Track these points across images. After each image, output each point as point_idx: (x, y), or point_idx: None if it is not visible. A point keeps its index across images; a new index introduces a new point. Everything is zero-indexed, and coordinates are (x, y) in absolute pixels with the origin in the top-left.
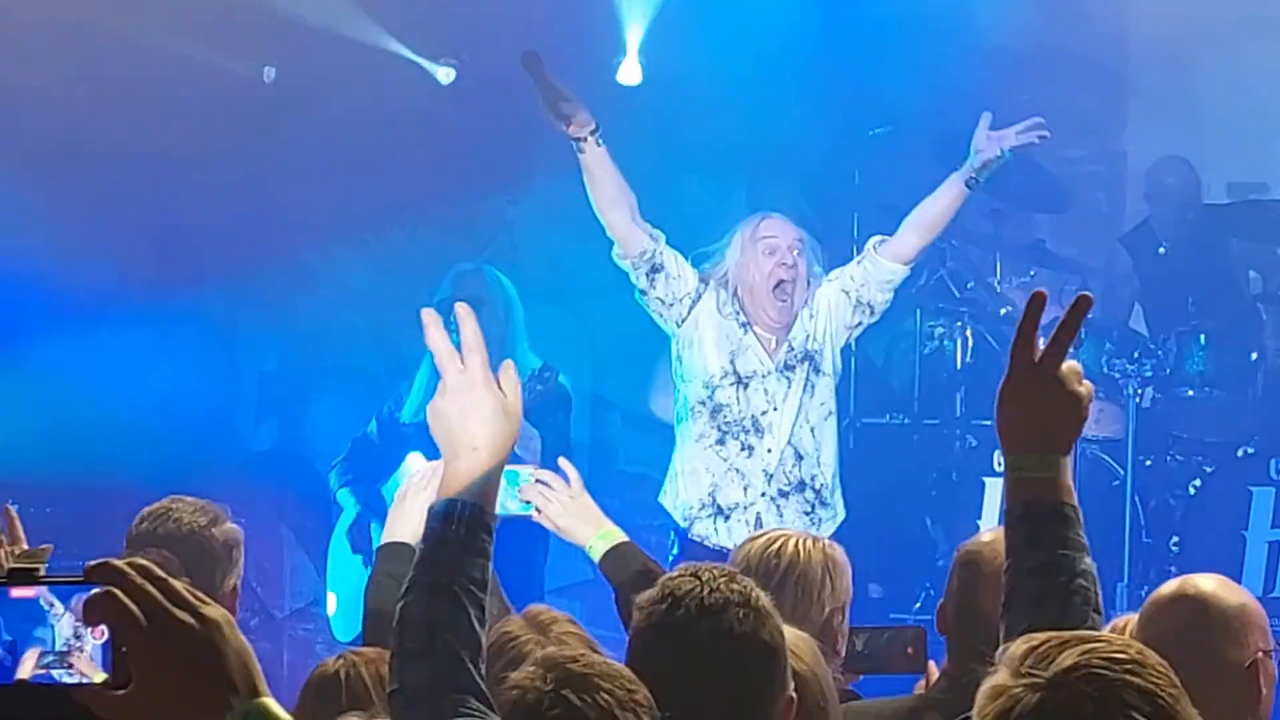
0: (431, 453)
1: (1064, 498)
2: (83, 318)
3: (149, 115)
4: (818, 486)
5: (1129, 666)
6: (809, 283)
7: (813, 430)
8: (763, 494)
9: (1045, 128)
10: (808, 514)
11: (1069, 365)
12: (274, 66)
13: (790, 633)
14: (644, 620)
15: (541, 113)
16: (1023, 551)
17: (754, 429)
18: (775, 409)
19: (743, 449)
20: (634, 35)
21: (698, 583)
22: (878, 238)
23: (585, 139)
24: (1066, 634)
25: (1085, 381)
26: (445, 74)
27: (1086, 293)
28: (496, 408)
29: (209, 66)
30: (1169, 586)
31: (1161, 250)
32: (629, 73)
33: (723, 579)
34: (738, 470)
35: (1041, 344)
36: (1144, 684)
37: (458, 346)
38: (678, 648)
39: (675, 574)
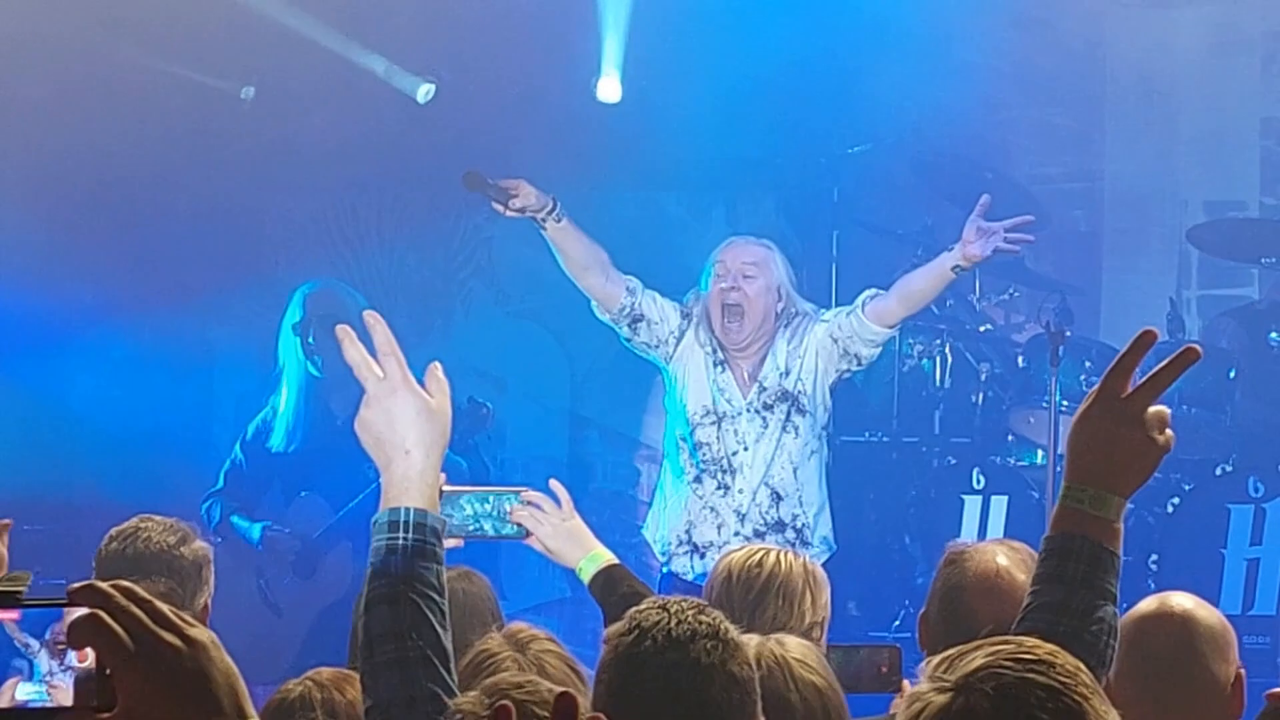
0: (290, 479)
1: (1108, 542)
2: (60, 336)
3: (128, 134)
4: (799, 526)
5: (1035, 666)
6: (779, 314)
7: (795, 471)
8: (736, 533)
9: (1033, 230)
10: None
11: (1156, 411)
12: (253, 85)
13: (796, 644)
14: (610, 653)
15: (498, 212)
16: (1047, 583)
17: (729, 468)
18: (746, 449)
19: (719, 487)
20: (613, 53)
21: (665, 614)
22: (870, 291)
23: (545, 220)
24: (985, 640)
25: (1168, 432)
26: (424, 91)
27: (1195, 347)
28: (421, 408)
29: (188, 85)
30: (1149, 605)
31: (1232, 375)
32: (608, 90)
33: (691, 611)
34: (713, 509)
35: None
36: (1050, 682)
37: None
38: (645, 680)
39: (644, 606)
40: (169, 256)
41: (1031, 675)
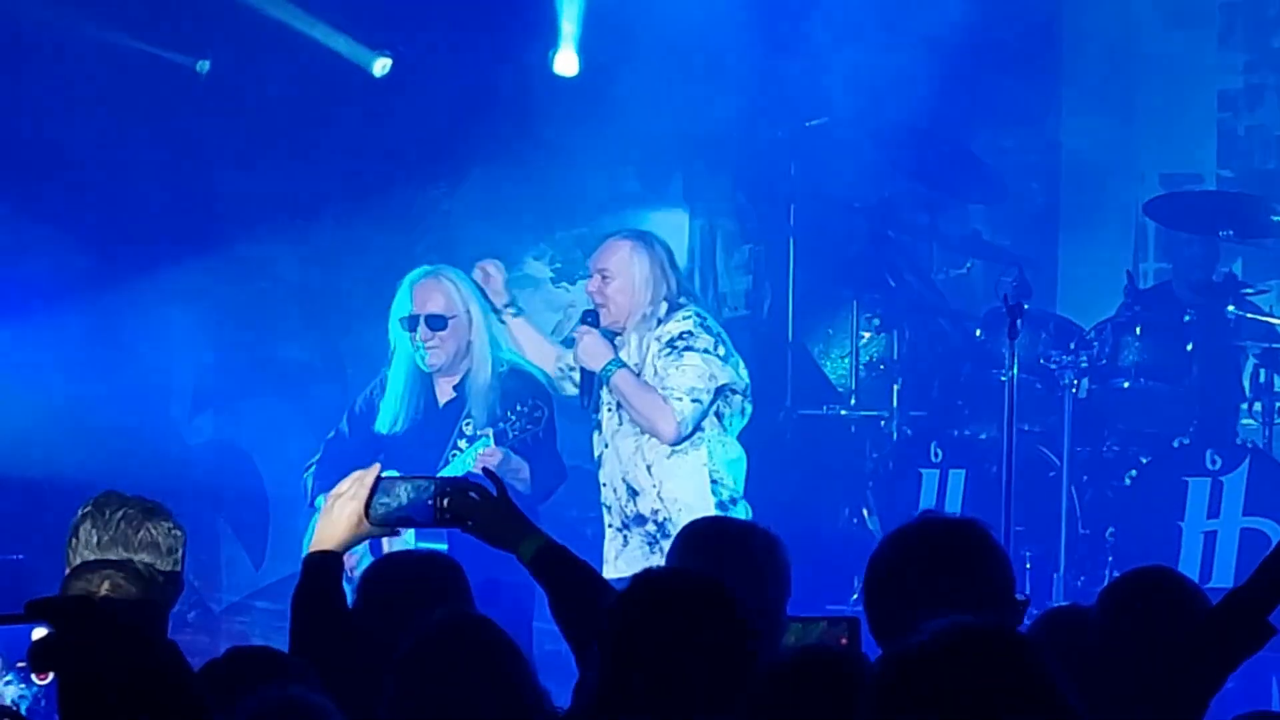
0: (390, 462)
1: None
2: (16, 310)
3: (83, 107)
4: (659, 521)
5: None
6: (649, 313)
7: (649, 467)
8: (609, 525)
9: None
10: (650, 545)
11: None
12: (208, 59)
13: None
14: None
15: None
16: None
17: (599, 464)
18: (607, 445)
19: (599, 482)
20: (570, 26)
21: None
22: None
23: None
24: None
25: None
26: (380, 65)
27: None
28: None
29: (143, 58)
30: (1137, 575)
31: (1189, 348)
32: (565, 63)
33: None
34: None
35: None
36: None
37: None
38: (654, 614)
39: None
40: (124, 230)
41: None
